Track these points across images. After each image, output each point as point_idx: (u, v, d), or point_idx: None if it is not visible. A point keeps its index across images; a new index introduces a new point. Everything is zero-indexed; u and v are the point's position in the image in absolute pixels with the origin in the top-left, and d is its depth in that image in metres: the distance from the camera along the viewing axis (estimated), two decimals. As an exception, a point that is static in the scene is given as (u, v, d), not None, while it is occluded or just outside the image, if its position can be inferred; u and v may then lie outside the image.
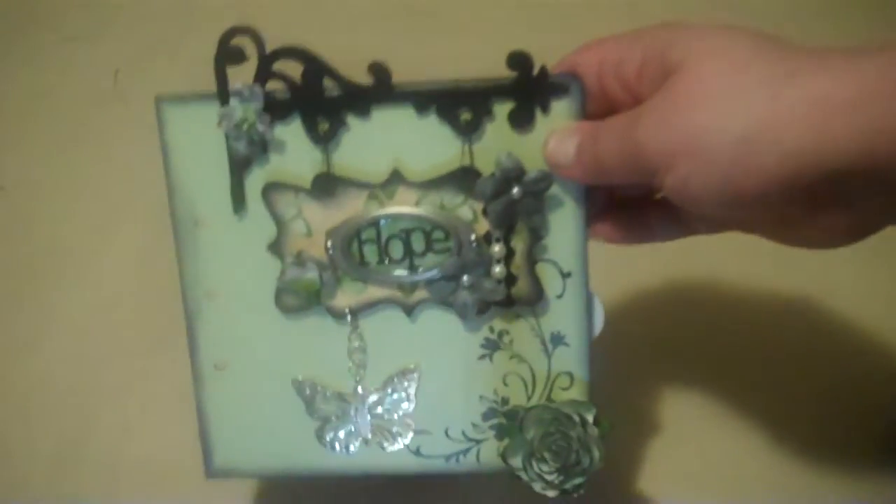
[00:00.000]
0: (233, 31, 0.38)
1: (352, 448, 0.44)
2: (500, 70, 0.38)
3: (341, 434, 0.44)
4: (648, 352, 0.56)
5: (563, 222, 0.40)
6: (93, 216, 0.65)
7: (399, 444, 0.44)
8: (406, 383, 0.43)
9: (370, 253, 0.41)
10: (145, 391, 0.56)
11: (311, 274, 0.41)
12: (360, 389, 0.43)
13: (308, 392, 0.43)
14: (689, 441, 0.52)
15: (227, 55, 0.38)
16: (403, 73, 0.39)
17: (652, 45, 0.35)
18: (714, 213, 0.35)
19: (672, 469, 0.52)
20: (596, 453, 0.42)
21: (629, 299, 0.57)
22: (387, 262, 0.41)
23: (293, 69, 0.38)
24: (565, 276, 0.41)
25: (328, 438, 0.44)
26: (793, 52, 0.31)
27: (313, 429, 0.44)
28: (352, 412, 0.43)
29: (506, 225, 0.40)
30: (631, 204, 0.42)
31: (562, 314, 0.42)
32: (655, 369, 0.55)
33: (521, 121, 0.39)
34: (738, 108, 0.31)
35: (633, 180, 0.36)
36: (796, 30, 0.35)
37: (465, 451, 0.44)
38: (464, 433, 0.44)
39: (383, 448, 0.44)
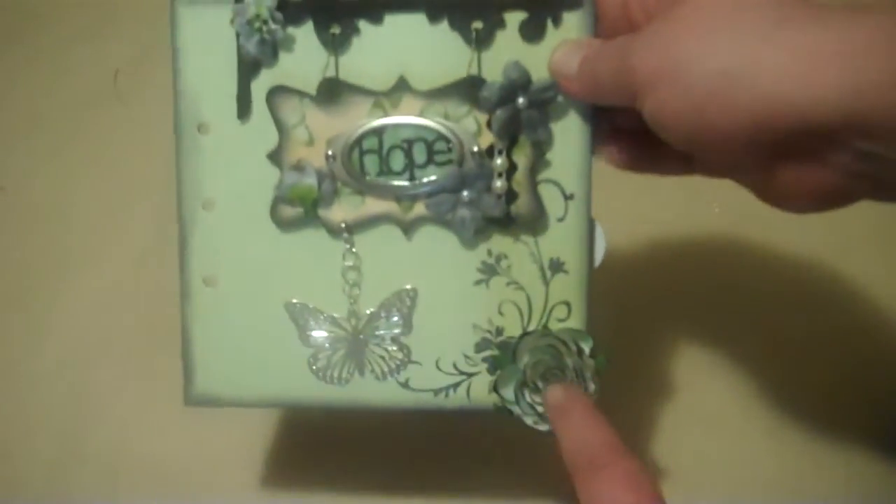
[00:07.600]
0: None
1: (344, 378, 0.42)
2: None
3: (334, 362, 0.42)
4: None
5: (568, 141, 0.40)
6: (93, 216, 0.65)
7: (397, 376, 0.42)
8: (402, 306, 0.41)
9: (371, 163, 0.40)
10: (144, 391, 0.55)
11: (310, 180, 0.40)
12: (354, 312, 0.42)
13: (302, 317, 0.42)
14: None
15: (244, -47, 0.39)
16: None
17: None
18: (683, 146, 0.35)
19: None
20: (591, 386, 0.40)
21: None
22: (387, 172, 0.40)
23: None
24: (568, 197, 0.40)
25: (320, 366, 0.42)
26: (795, 1, 0.31)
27: (305, 356, 0.42)
28: (345, 338, 0.42)
29: (509, 136, 0.39)
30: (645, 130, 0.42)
31: (562, 239, 0.41)
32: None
33: (532, 32, 0.39)
34: (725, 42, 0.31)
35: (622, 102, 0.36)
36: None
37: (456, 386, 0.42)
38: (455, 365, 0.42)
39: (378, 379, 0.42)
